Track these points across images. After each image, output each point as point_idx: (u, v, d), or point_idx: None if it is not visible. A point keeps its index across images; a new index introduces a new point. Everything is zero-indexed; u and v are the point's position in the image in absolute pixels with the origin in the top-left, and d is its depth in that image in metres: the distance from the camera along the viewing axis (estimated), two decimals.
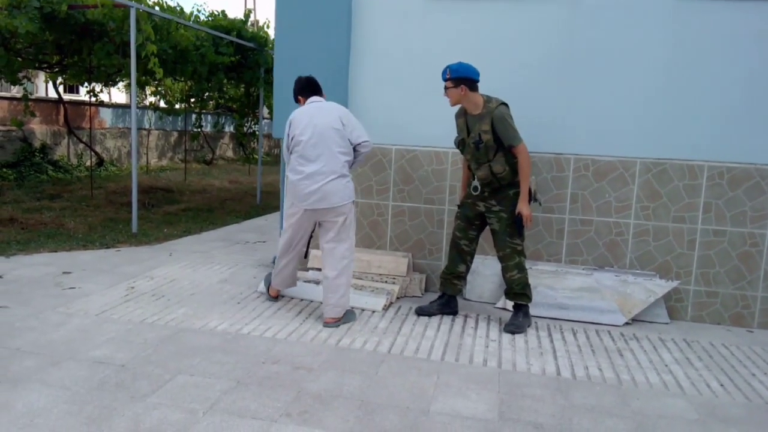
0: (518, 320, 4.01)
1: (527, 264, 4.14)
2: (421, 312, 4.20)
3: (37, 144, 11.22)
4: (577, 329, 4.09)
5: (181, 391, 2.86)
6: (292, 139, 3.89)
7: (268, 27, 10.53)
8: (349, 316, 3.99)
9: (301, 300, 4.37)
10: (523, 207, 3.87)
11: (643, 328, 4.19)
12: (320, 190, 3.78)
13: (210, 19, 8.92)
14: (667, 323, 4.33)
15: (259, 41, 9.10)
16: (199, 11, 8.99)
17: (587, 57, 4.42)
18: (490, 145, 3.86)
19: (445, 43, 4.59)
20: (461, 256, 4.19)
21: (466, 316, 4.24)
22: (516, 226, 3.92)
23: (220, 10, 9.04)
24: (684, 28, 4.27)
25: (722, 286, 4.40)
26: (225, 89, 11.37)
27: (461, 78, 3.85)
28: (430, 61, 4.55)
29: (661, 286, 4.30)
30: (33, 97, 11.27)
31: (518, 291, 4.01)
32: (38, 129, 11.35)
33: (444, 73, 3.92)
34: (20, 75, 8.34)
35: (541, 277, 4.41)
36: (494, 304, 4.55)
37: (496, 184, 3.94)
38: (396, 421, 2.70)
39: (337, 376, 3.13)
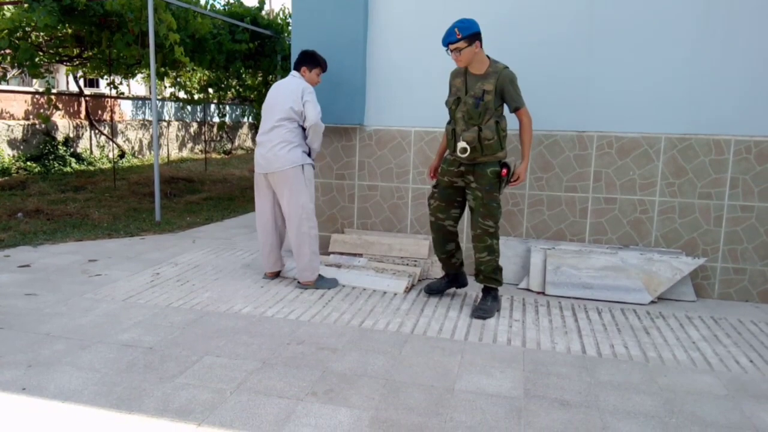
0: (486, 304, 3.88)
1: (548, 244, 4.08)
2: (430, 291, 4.18)
3: (60, 137, 11.38)
4: (602, 308, 4.05)
5: (208, 372, 2.90)
6: None
7: (284, 15, 10.51)
8: (323, 282, 4.27)
9: None
10: (522, 170, 3.75)
11: (670, 306, 4.14)
12: (265, 156, 4.15)
13: (226, 7, 8.93)
14: (693, 301, 4.26)
15: (276, 28, 9.09)
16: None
17: (610, 31, 4.34)
18: (489, 105, 3.64)
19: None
20: (447, 237, 4.04)
21: None
22: (498, 181, 3.74)
23: None
24: None
25: (750, 263, 4.32)
26: (243, 77, 11.40)
27: (474, 34, 3.57)
28: None
29: (687, 264, 4.23)
30: (54, 91, 11.42)
31: (488, 275, 3.89)
32: (61, 122, 11.51)
33: (451, 34, 3.57)
34: (42, 69, 8.45)
35: (564, 257, 4.37)
36: (517, 284, 4.52)
37: (478, 152, 3.70)
38: (421, 398, 2.70)
39: (361, 356, 3.15)
